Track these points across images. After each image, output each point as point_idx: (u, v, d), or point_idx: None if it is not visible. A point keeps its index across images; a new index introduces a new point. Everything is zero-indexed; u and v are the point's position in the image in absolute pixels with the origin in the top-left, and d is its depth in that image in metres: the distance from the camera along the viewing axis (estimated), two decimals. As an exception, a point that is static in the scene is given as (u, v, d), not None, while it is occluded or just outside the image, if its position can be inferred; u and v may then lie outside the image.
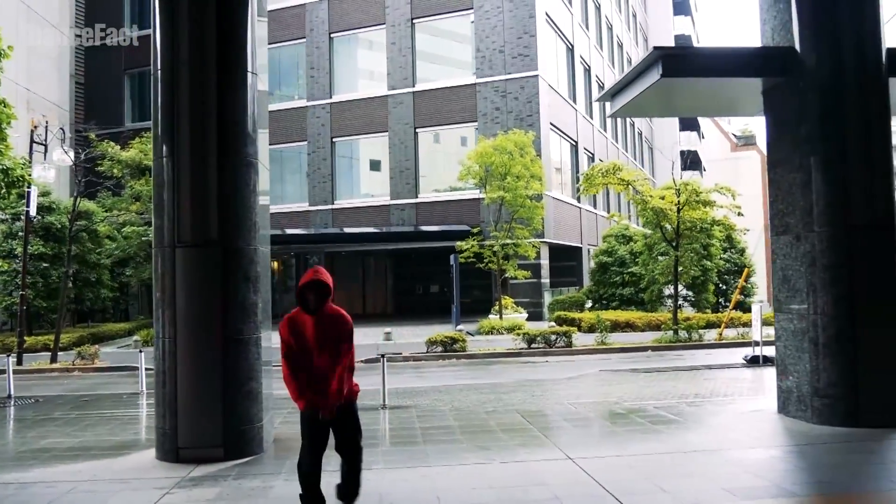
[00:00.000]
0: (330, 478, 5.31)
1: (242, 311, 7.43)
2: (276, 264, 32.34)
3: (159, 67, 7.52)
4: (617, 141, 39.10)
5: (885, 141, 8.15)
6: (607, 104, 10.26)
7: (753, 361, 13.86)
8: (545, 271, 26.82)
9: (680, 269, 19.87)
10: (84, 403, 11.76)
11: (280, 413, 8.88)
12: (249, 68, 7.73)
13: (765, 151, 9.71)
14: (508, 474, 6.40)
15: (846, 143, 8.00)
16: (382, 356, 10.91)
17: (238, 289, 7.43)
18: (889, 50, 8.25)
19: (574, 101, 30.98)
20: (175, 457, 7.20)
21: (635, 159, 43.97)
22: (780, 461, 6.64)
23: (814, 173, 8.10)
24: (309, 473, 5.10)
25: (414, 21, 28.14)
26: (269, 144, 31.63)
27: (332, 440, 5.17)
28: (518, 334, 18.56)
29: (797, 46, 8.24)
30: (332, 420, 5.10)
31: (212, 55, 7.41)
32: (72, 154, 18.89)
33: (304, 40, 29.86)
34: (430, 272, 33.09)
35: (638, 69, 8.66)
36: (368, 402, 10.69)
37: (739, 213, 20.07)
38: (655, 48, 8.25)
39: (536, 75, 26.09)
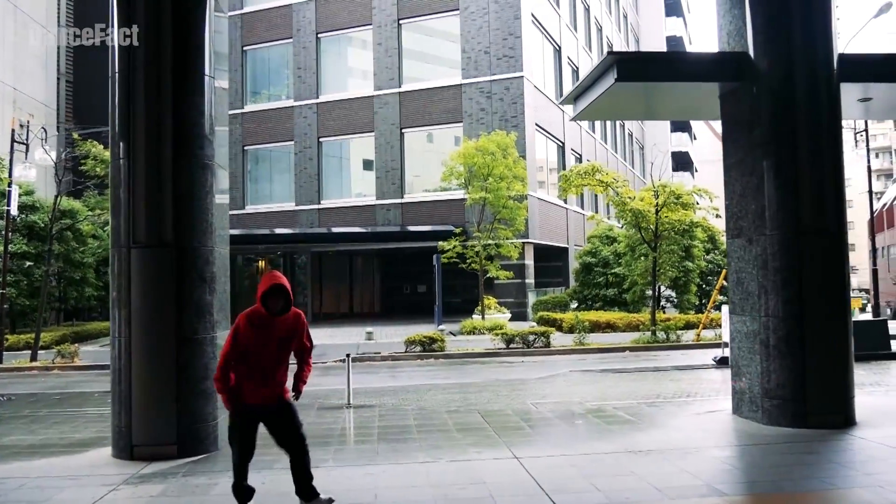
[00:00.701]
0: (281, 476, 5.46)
1: (197, 311, 7.53)
2: (262, 263, 32.46)
3: (117, 70, 7.62)
4: (606, 142, 39.22)
5: (836, 146, 8.26)
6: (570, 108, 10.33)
7: (722, 363, 13.95)
8: (530, 272, 26.93)
9: (659, 270, 19.98)
10: (55, 401, 11.85)
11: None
12: (207, 71, 7.83)
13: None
14: (451, 473, 6.50)
15: (797, 147, 8.11)
16: (347, 356, 11.01)
17: (193, 289, 7.53)
18: (841, 56, 8.38)
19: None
20: (130, 454, 7.29)
21: (626, 161, 44.10)
22: (720, 462, 6.74)
23: (766, 177, 8.22)
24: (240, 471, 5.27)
25: (401, 21, 28.25)
26: (256, 144, 31.75)
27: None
28: (496, 334, 18.68)
29: (751, 52, 8.35)
30: (270, 417, 5.25)
31: (168, 58, 7.50)
32: (54, 153, 18.93)
33: (290, 40, 29.98)
34: (417, 272, 33.20)
35: (595, 74, 8.76)
36: (335, 402, 10.83)
37: (717, 216, 20.15)
38: (610, 53, 8.36)
39: (521, 76, 26.21)
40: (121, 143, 7.53)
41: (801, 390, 7.97)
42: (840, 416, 8.00)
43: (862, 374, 12.53)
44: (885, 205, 40.57)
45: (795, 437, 7.52)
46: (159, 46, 7.49)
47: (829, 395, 8.00)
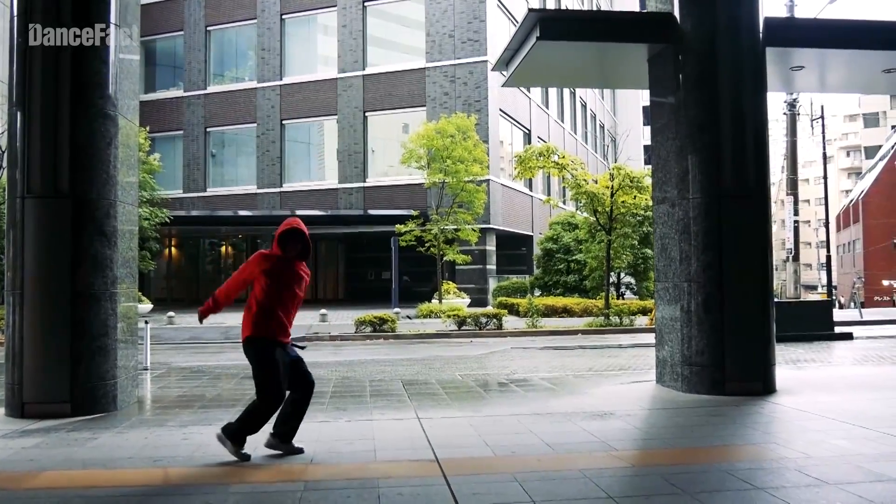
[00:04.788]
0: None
1: (95, 266, 7.24)
2: (224, 248, 32.08)
3: (15, 14, 7.32)
4: (576, 132, 39.10)
5: (758, 111, 8.12)
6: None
7: (665, 341, 13.85)
8: (491, 257, 26.76)
9: (613, 254, 19.87)
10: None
11: (167, 378, 8.71)
12: (112, 19, 7.53)
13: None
14: (345, 430, 6.31)
15: (719, 111, 7.96)
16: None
17: (91, 242, 7.24)
18: (766, 19, 8.24)
19: (528, 89, 30.88)
20: (21, 412, 7.01)
21: (596, 151, 44.04)
22: (623, 423, 6.55)
23: (688, 141, 8.07)
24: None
25: (365, 4, 27.93)
26: (219, 126, 31.21)
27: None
28: (448, 316, 18.48)
29: (676, 13, 8.19)
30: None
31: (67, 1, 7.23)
32: (-2, 126, 18.46)
33: (255, 21, 29.54)
34: (382, 258, 32.84)
35: (520, 34, 8.56)
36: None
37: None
38: (531, 10, 8.16)
39: (486, 60, 25.98)
40: (15, 88, 7.24)
41: (719, 357, 7.84)
42: (758, 383, 7.87)
43: (801, 352, 12.50)
44: (851, 201, 40.84)
45: (709, 403, 7.37)
46: (58, -12, 7.19)
47: (747, 363, 7.87)
